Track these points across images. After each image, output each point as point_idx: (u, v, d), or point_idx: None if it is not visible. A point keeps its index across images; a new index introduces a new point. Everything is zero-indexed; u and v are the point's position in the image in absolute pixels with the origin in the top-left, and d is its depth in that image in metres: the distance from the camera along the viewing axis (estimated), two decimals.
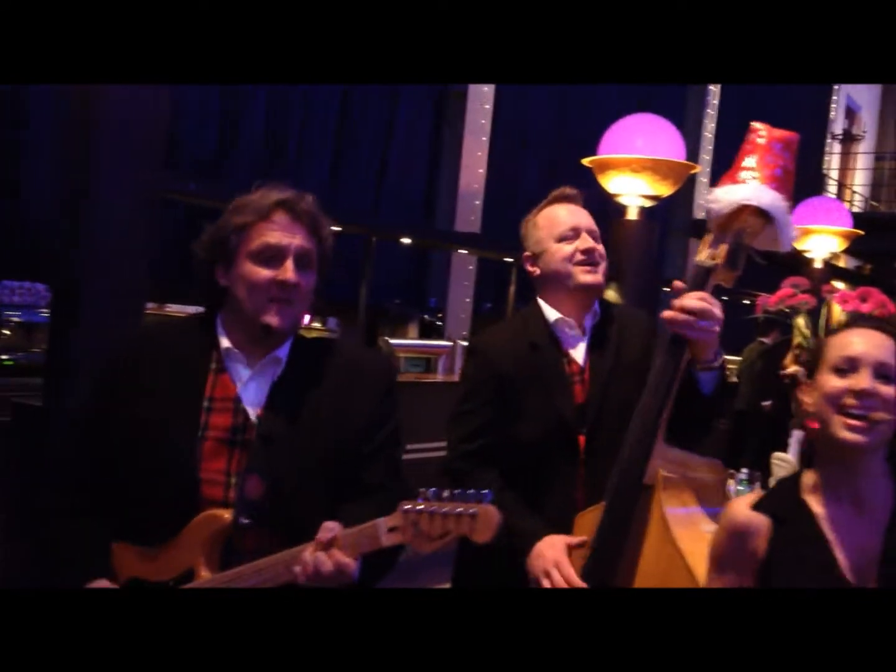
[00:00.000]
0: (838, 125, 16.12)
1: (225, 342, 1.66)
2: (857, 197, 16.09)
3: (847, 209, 11.48)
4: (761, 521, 1.44)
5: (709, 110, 12.25)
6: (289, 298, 1.62)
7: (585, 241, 2.13)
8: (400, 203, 8.51)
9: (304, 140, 7.91)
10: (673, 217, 12.03)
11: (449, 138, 8.79)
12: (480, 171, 8.84)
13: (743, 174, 1.89)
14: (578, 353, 2.14)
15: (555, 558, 1.89)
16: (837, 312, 3.20)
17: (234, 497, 1.57)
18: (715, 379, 1.92)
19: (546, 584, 1.88)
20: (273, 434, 1.60)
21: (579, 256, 2.11)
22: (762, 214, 1.87)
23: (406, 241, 7.60)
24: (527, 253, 2.20)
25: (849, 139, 16.38)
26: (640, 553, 1.82)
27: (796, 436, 3.34)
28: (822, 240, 10.66)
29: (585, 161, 7.53)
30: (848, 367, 1.46)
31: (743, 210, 1.87)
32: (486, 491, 1.40)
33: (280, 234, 1.62)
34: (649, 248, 8.14)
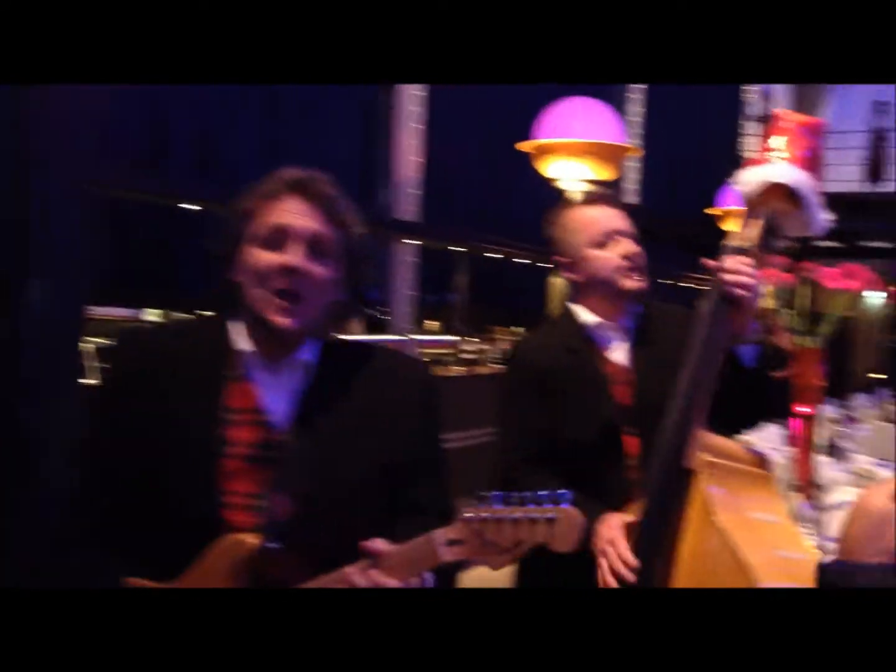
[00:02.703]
0: (754, 107, 16.42)
1: (242, 344, 1.48)
2: None
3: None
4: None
5: (632, 94, 12.32)
6: (296, 291, 1.41)
7: (625, 246, 2.09)
8: None
9: (236, 135, 7.68)
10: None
11: (382, 127, 8.63)
12: (417, 158, 8.71)
13: (771, 154, 1.88)
14: (619, 354, 2.12)
15: (610, 536, 1.84)
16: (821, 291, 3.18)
17: (261, 521, 1.40)
18: (755, 351, 1.92)
19: (603, 563, 1.83)
20: (303, 449, 1.42)
21: (620, 262, 2.08)
22: (790, 198, 1.86)
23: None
24: (563, 259, 2.16)
25: (765, 121, 16.73)
26: (682, 539, 1.76)
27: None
28: None
29: (522, 146, 7.49)
30: None
31: (772, 192, 1.85)
32: (563, 491, 1.23)
33: (289, 215, 1.43)
34: None
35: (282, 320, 1.41)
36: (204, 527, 1.39)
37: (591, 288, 2.12)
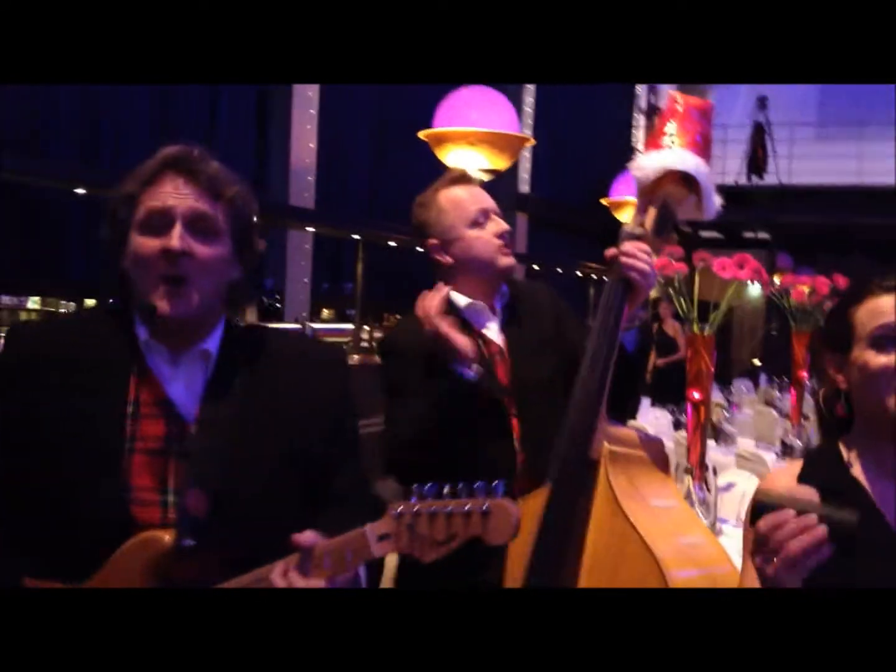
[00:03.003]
0: (643, 99, 16.83)
1: (143, 334, 1.41)
2: None
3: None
4: (809, 492, 1.39)
5: (525, 84, 12.45)
6: (178, 274, 1.34)
7: (499, 224, 2.09)
8: None
9: (124, 118, 7.42)
10: (498, 191, 12.20)
11: (276, 112, 8.50)
12: (311, 145, 8.61)
13: (665, 139, 1.89)
14: (493, 333, 2.11)
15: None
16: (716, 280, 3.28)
17: (172, 517, 1.34)
18: (635, 336, 1.96)
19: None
20: (212, 441, 1.36)
21: (496, 241, 2.08)
22: (685, 182, 1.87)
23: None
24: (434, 241, 2.12)
25: (654, 113, 17.16)
26: (588, 531, 1.75)
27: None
28: None
29: (422, 134, 7.50)
30: (888, 339, 1.37)
31: (667, 177, 1.86)
32: (496, 482, 1.21)
33: (167, 195, 1.36)
34: None
35: (169, 307, 1.34)
36: (111, 525, 1.33)
37: (464, 269, 2.09)
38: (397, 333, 2.24)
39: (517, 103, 12.29)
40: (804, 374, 5.96)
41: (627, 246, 1.84)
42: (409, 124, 8.26)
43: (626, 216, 11.12)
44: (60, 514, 1.34)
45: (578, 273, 13.66)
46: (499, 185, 12.16)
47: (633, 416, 2.13)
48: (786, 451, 5.71)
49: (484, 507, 1.18)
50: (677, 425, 5.77)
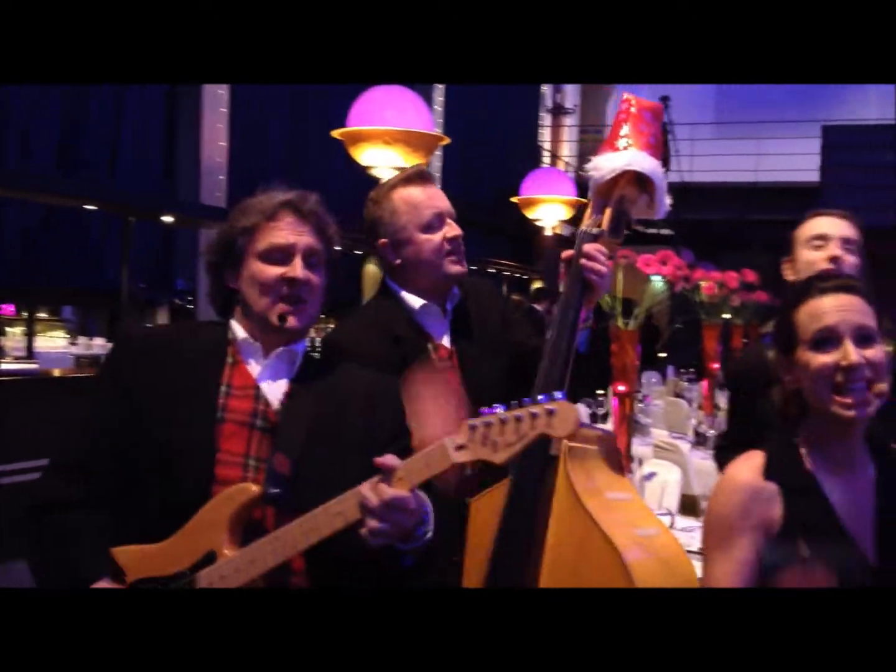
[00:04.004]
0: (549, 98, 17.10)
1: (241, 333, 1.69)
2: (568, 168, 17.19)
3: (572, 179, 12.26)
4: (773, 490, 1.44)
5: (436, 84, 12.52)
6: (299, 295, 1.65)
7: (452, 229, 2.06)
8: (137, 181, 7.96)
9: (34, 115, 7.18)
10: None
11: (186, 110, 8.34)
12: (222, 143, 8.48)
13: (620, 142, 1.95)
14: (444, 338, 2.09)
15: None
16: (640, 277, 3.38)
17: (251, 479, 1.58)
18: (588, 338, 2.00)
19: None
20: (299, 418, 1.63)
21: (447, 247, 2.04)
22: (638, 182, 1.94)
23: (168, 219, 7.12)
24: (384, 240, 2.09)
25: (558, 112, 17.44)
26: (549, 525, 1.78)
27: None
28: (551, 209, 11.34)
29: (336, 133, 7.47)
30: (827, 341, 1.44)
31: (622, 177, 1.92)
32: (559, 392, 1.36)
33: (287, 233, 1.66)
34: None
35: (290, 321, 1.64)
36: (200, 480, 1.56)
37: (413, 271, 2.07)
38: (339, 335, 2.18)
39: (427, 102, 12.35)
40: (715, 365, 6.17)
41: (587, 247, 1.89)
42: (324, 122, 8.21)
43: (535, 214, 11.28)
44: (156, 476, 1.58)
45: (491, 270, 13.80)
46: None
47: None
48: (699, 440, 5.91)
49: (550, 407, 1.34)
50: (594, 418, 5.90)
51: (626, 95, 1.99)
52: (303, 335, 1.72)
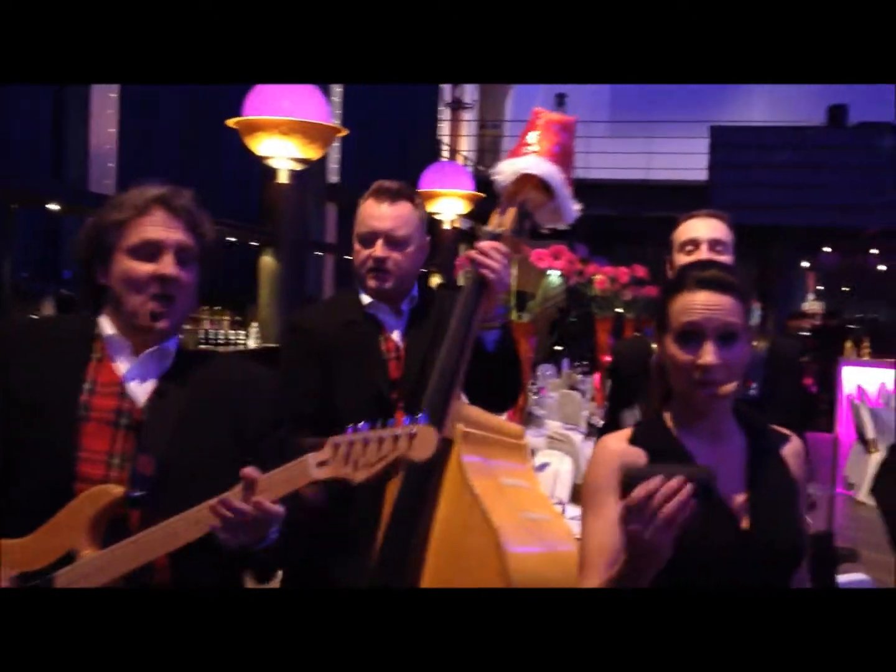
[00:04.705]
0: (448, 93, 17.17)
1: (109, 330, 1.66)
2: (468, 162, 17.31)
3: (470, 173, 12.35)
4: (639, 454, 1.51)
5: None
6: (170, 294, 1.63)
7: (378, 250, 2.16)
8: (24, 167, 7.64)
9: None
10: (308, 181, 12.10)
11: (74, 96, 8.05)
12: (111, 130, 8.23)
13: (524, 149, 2.06)
14: (395, 333, 2.21)
15: None
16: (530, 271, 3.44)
17: (114, 478, 1.56)
18: (497, 338, 2.07)
19: None
20: (165, 417, 1.61)
21: (370, 264, 2.17)
22: (543, 189, 2.04)
23: (54, 207, 6.87)
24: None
25: (457, 107, 17.53)
26: (438, 506, 1.85)
27: None
28: (450, 203, 11.41)
29: (231, 122, 7.34)
30: (692, 335, 1.50)
31: (525, 182, 2.03)
32: (420, 415, 1.45)
33: (158, 228, 1.63)
34: (301, 211, 8.19)
35: (157, 322, 1.62)
36: (60, 478, 1.54)
37: (356, 273, 2.23)
38: (307, 316, 2.36)
39: (325, 93, 12.23)
40: (607, 358, 6.32)
41: (482, 244, 1.97)
42: (218, 110, 8.06)
43: (433, 208, 11.33)
44: (15, 473, 1.55)
45: None
46: (308, 175, 12.11)
47: (505, 411, 2.30)
48: (591, 431, 6.05)
49: (412, 431, 1.42)
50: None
51: (537, 110, 2.11)
52: (174, 332, 1.70)
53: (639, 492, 1.30)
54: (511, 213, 2.02)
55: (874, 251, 16.73)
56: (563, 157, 2.03)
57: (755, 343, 2.14)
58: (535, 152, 2.01)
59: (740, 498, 1.53)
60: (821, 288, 18.49)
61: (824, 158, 14.44)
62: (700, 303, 1.51)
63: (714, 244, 2.28)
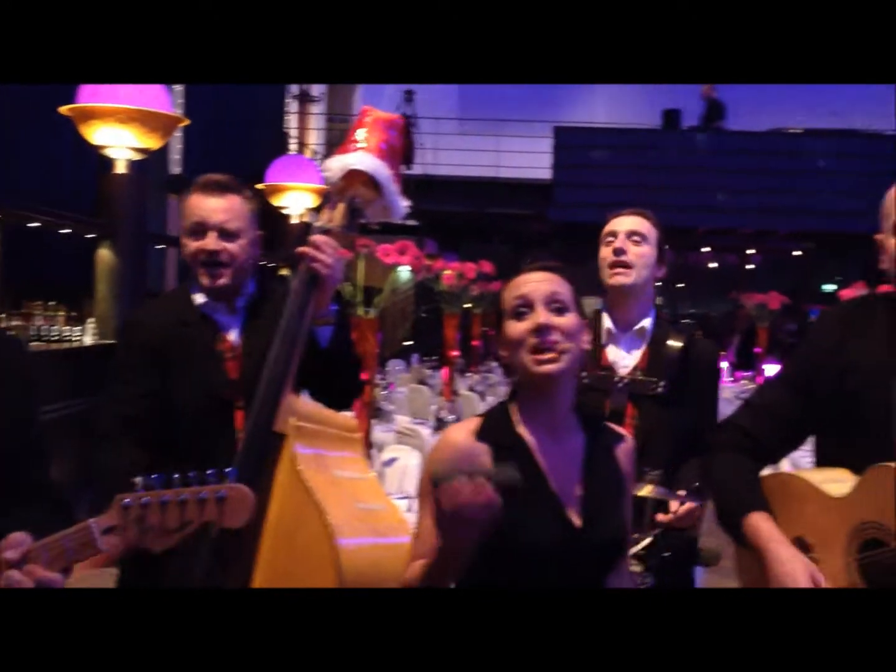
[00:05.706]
0: (294, 86, 16.92)
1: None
2: (316, 156, 17.13)
3: (318, 166, 12.21)
4: (482, 447, 1.52)
5: None
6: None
7: (207, 244, 2.10)
8: None
9: None
10: (149, 172, 11.68)
11: None
12: None
13: (352, 145, 2.10)
14: (232, 331, 2.16)
15: None
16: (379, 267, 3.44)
17: None
18: (331, 334, 2.07)
19: None
20: None
21: (202, 257, 2.11)
22: (372, 185, 2.08)
23: None
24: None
25: (305, 100, 17.32)
26: (271, 500, 1.85)
27: None
28: (297, 196, 11.25)
29: (64, 109, 6.99)
30: (524, 308, 1.58)
31: (354, 178, 2.06)
32: (229, 469, 1.24)
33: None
34: (140, 202, 7.88)
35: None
36: None
37: (190, 268, 2.19)
38: (140, 316, 2.30)
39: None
40: (454, 353, 6.40)
41: (314, 238, 1.98)
42: (50, 96, 7.67)
43: (281, 201, 11.16)
44: None
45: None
46: (149, 165, 11.68)
47: (347, 407, 2.29)
48: (440, 425, 6.11)
49: (221, 493, 1.21)
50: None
51: (366, 108, 2.14)
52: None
53: (441, 493, 1.33)
54: (341, 208, 2.05)
55: (706, 249, 17.60)
56: (390, 153, 2.08)
57: (668, 343, 2.24)
58: (362, 149, 2.05)
59: (576, 493, 1.59)
60: (658, 284, 19.30)
61: (660, 160, 15.06)
62: (526, 280, 1.61)
63: (631, 234, 2.36)
